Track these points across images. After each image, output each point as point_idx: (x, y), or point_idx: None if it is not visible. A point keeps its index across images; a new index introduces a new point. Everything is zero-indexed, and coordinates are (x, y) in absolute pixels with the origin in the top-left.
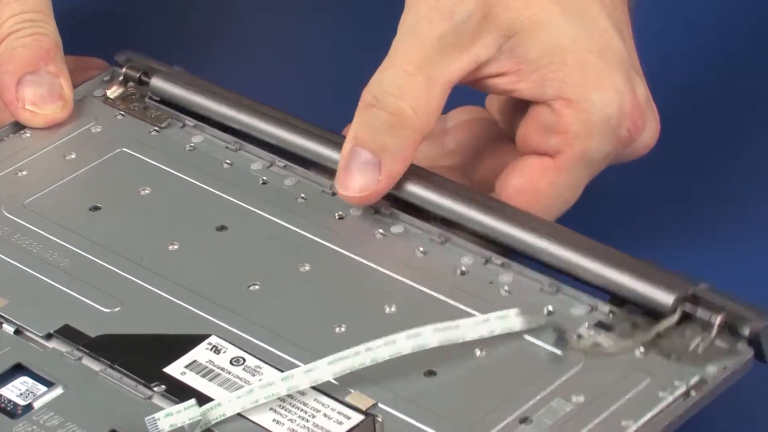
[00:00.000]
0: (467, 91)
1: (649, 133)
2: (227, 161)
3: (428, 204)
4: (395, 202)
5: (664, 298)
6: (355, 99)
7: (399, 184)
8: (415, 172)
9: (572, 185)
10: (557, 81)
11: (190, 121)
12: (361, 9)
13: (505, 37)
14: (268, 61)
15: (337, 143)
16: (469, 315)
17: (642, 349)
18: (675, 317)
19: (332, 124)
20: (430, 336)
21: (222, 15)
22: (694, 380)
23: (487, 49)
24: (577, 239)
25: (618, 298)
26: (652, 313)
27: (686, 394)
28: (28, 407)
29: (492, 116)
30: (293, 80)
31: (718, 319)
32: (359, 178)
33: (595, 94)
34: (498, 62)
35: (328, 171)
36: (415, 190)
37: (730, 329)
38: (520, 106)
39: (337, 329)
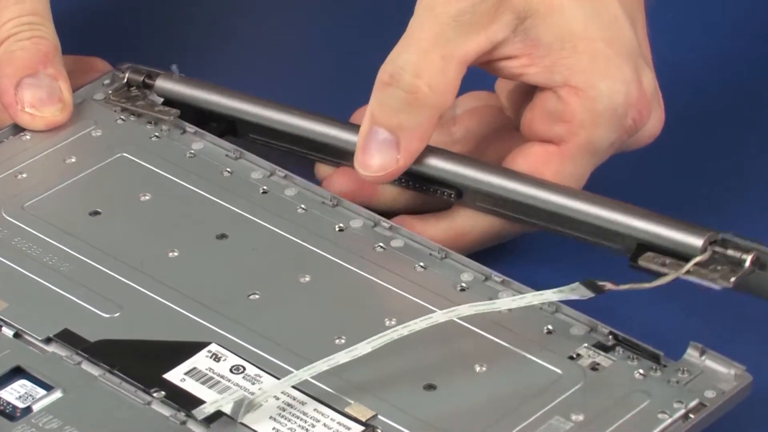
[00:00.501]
0: (477, 76)
1: (653, 122)
2: (228, 169)
3: (445, 173)
4: (411, 177)
5: (694, 240)
6: (355, 100)
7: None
8: (429, 149)
9: (577, 174)
10: (566, 67)
11: (190, 128)
12: (361, 9)
13: (519, 18)
14: (267, 61)
15: (352, 129)
16: (470, 330)
17: (641, 371)
18: (707, 255)
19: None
20: (464, 308)
21: (222, 14)
22: (693, 403)
23: (502, 30)
24: (594, 196)
25: (644, 247)
26: (682, 257)
27: (685, 416)
28: (27, 410)
29: (500, 103)
30: (292, 81)
31: (750, 257)
32: (378, 157)
33: (603, 82)
34: (512, 44)
35: (343, 154)
36: (431, 161)
37: (761, 267)
38: (528, 93)
39: (337, 341)
